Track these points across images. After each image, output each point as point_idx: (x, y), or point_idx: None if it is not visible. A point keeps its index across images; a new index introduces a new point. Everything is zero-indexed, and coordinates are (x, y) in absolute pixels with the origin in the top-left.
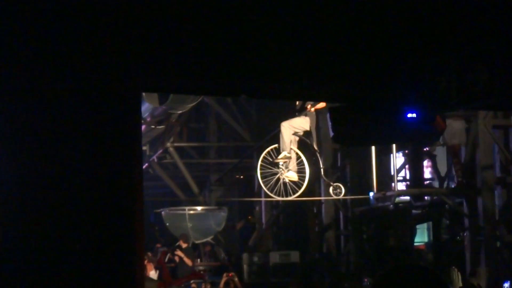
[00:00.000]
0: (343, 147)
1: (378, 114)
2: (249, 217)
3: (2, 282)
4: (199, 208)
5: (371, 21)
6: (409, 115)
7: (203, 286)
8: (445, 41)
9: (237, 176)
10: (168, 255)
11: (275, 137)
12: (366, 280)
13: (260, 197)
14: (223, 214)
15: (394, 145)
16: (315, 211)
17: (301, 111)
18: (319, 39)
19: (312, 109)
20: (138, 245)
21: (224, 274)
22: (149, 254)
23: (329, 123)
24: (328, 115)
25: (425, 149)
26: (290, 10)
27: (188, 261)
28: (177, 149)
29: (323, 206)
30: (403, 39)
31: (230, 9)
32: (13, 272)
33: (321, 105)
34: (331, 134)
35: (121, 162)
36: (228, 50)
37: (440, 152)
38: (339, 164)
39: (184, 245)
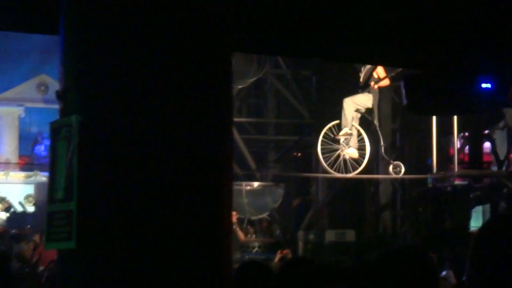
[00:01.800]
0: (417, 115)
1: (453, 83)
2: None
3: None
4: (256, 183)
5: None
6: (484, 85)
7: None
8: None
9: (295, 154)
10: None
11: (335, 115)
12: None
13: (317, 176)
14: (280, 190)
15: (455, 126)
16: (372, 190)
17: (364, 88)
18: (396, 3)
19: (376, 86)
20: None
21: (278, 251)
22: None
23: (403, 91)
24: (402, 83)
25: (485, 132)
26: None
27: (240, 234)
28: (236, 124)
29: (381, 185)
30: (482, 5)
31: None
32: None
33: (385, 82)
34: (405, 102)
35: (210, 126)
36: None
37: (499, 136)
38: (397, 144)
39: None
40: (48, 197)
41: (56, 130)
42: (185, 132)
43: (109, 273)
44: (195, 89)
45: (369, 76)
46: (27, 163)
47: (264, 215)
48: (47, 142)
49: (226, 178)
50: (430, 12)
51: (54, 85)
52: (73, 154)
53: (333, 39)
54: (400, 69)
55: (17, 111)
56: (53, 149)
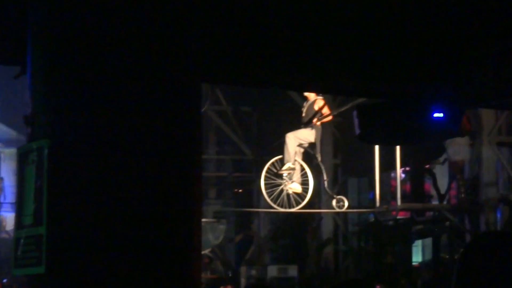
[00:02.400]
0: (369, 144)
1: (405, 113)
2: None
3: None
4: None
5: (403, 14)
6: (436, 115)
7: None
8: (482, 35)
9: (236, 190)
10: None
11: (276, 149)
12: None
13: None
14: (221, 226)
15: (398, 161)
16: (314, 225)
17: (307, 124)
18: (348, 33)
19: (318, 123)
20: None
21: (221, 287)
22: None
23: (356, 121)
24: (354, 113)
25: (426, 166)
26: (324, 11)
27: None
28: None
29: (323, 220)
30: (438, 33)
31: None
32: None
33: (327, 118)
34: (357, 132)
35: (180, 157)
36: (270, 45)
37: (440, 171)
38: (339, 179)
39: None
40: (16, 222)
41: (24, 155)
42: (154, 157)
43: None
44: (164, 116)
45: (312, 112)
46: None
47: (206, 251)
48: None
49: (197, 205)
50: (384, 41)
51: None
52: (43, 179)
53: (289, 68)
54: (341, 108)
55: None
56: (20, 174)
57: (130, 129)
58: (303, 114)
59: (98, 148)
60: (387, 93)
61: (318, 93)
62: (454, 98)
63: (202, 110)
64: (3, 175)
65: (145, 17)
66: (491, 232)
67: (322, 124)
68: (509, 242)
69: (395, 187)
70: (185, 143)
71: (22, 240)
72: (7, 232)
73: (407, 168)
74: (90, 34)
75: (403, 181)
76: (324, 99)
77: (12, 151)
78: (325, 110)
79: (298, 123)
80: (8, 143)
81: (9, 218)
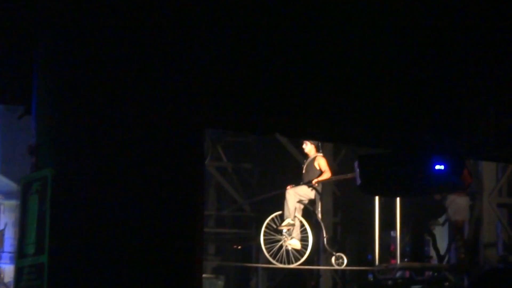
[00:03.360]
0: (370, 195)
1: (406, 164)
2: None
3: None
4: None
5: (405, 64)
6: (437, 167)
7: None
8: (483, 85)
9: (235, 246)
10: None
11: (276, 205)
12: None
13: (258, 267)
14: (220, 282)
15: (398, 220)
16: (313, 282)
17: (307, 184)
18: (352, 81)
19: (315, 183)
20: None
21: None
22: None
23: (357, 171)
24: (355, 163)
25: (425, 227)
26: (327, 60)
27: None
28: None
29: (322, 278)
30: (440, 83)
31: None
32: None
33: (326, 175)
34: (358, 182)
35: (182, 202)
36: (273, 91)
37: (439, 231)
38: (339, 237)
39: None
40: (18, 251)
41: (27, 185)
42: (156, 189)
43: None
44: (168, 158)
45: (312, 169)
46: None
47: None
48: None
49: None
50: (386, 90)
51: None
52: (46, 208)
53: (292, 116)
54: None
55: None
56: (23, 203)
57: (133, 162)
58: (303, 171)
59: (101, 179)
60: (388, 143)
61: (320, 140)
62: (456, 148)
63: None
64: (2, 227)
65: (150, 59)
66: (497, 269)
67: (323, 182)
68: None
69: (395, 246)
70: (188, 184)
71: (24, 269)
72: (5, 284)
73: (407, 228)
74: (95, 70)
75: (402, 241)
76: (324, 156)
77: (13, 203)
78: (325, 168)
79: (299, 180)
80: (8, 195)
81: (8, 270)
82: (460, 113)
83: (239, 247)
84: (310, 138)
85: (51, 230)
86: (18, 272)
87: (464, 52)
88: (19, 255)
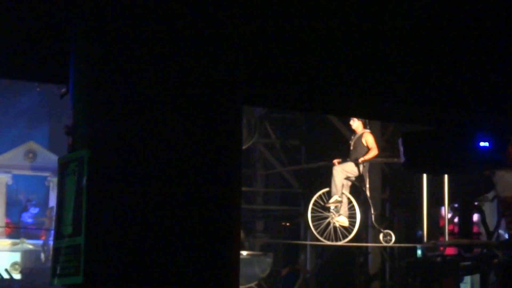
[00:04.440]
0: (415, 173)
1: (451, 141)
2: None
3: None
4: (244, 252)
5: (450, 42)
6: (482, 143)
7: None
8: None
9: (283, 223)
10: None
11: (324, 182)
12: None
13: (306, 243)
14: (268, 260)
15: (446, 196)
16: (361, 260)
17: (355, 161)
18: (396, 57)
19: (361, 161)
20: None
21: None
22: None
23: (401, 149)
24: (400, 141)
25: (474, 203)
26: (371, 36)
27: None
28: None
29: (370, 255)
30: (485, 61)
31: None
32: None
33: (373, 153)
34: (402, 159)
35: (219, 177)
36: (316, 68)
37: (488, 208)
38: (387, 214)
39: None
40: (55, 232)
41: (64, 166)
42: (193, 170)
43: None
44: (205, 135)
45: (359, 145)
46: (14, 230)
47: (252, 284)
48: (34, 210)
49: (236, 217)
50: (430, 68)
51: (42, 152)
52: (82, 189)
53: (336, 94)
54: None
55: (5, 178)
56: (61, 184)
57: (169, 142)
58: (351, 148)
59: (137, 160)
60: (432, 120)
61: (362, 118)
62: (500, 127)
63: (251, 142)
64: (52, 204)
65: (188, 36)
66: None
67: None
68: None
69: (444, 223)
70: (225, 157)
71: (61, 250)
72: None
73: (455, 205)
74: (132, 49)
75: (451, 217)
76: (372, 133)
77: None
78: (372, 145)
79: (346, 156)
80: (57, 172)
81: None
82: (505, 90)
83: (288, 224)
84: (353, 115)
85: (88, 211)
86: (56, 253)
87: (511, 27)
88: (57, 236)
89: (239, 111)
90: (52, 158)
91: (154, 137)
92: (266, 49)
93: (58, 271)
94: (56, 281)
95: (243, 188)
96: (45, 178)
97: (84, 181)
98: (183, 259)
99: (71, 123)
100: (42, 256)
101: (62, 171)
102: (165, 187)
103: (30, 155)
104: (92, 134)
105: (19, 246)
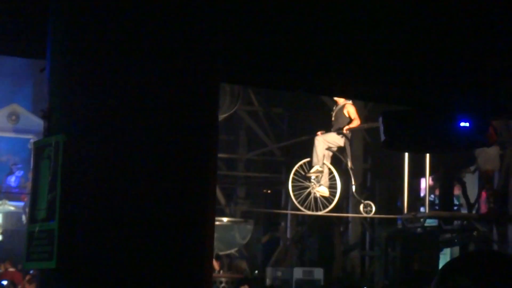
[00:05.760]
0: (394, 151)
1: (431, 121)
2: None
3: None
4: (225, 219)
5: (431, 23)
6: (462, 124)
7: None
8: (509, 46)
9: (265, 191)
10: None
11: (306, 151)
12: None
13: (287, 213)
14: (248, 226)
15: (427, 168)
16: (341, 229)
17: (337, 131)
18: (376, 38)
19: (345, 130)
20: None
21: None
22: None
23: (381, 127)
24: (379, 119)
25: (455, 175)
26: (353, 16)
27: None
28: None
29: (350, 225)
30: (466, 43)
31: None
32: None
33: (356, 123)
34: (382, 138)
35: (194, 156)
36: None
37: (470, 179)
38: (368, 184)
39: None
40: (29, 216)
41: (40, 150)
42: (169, 155)
43: None
44: (182, 113)
45: (341, 116)
46: None
47: (232, 250)
48: (19, 173)
49: (211, 203)
50: (411, 49)
51: (25, 115)
52: (57, 174)
53: (317, 74)
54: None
55: None
56: (36, 168)
57: (146, 127)
58: (333, 118)
59: (113, 145)
60: (412, 101)
61: (343, 97)
62: (480, 108)
63: (234, 110)
64: None
65: (165, 16)
66: (473, 252)
67: (352, 129)
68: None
69: (424, 194)
70: (200, 142)
71: (35, 234)
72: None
73: (437, 176)
74: (109, 31)
75: (432, 189)
76: (354, 104)
77: None
78: (354, 116)
79: (328, 126)
80: (40, 135)
81: None
82: (485, 72)
83: (269, 191)
84: (335, 95)
85: (61, 196)
86: (29, 237)
87: (491, 10)
88: (31, 220)
89: (217, 89)
90: (35, 121)
91: (131, 121)
92: (246, 27)
93: (31, 255)
94: (29, 265)
95: (225, 155)
96: (28, 140)
97: (59, 166)
98: (157, 243)
99: (47, 107)
100: (24, 218)
101: (37, 155)
102: (141, 171)
103: (13, 117)
104: (68, 119)
105: (0, 208)
